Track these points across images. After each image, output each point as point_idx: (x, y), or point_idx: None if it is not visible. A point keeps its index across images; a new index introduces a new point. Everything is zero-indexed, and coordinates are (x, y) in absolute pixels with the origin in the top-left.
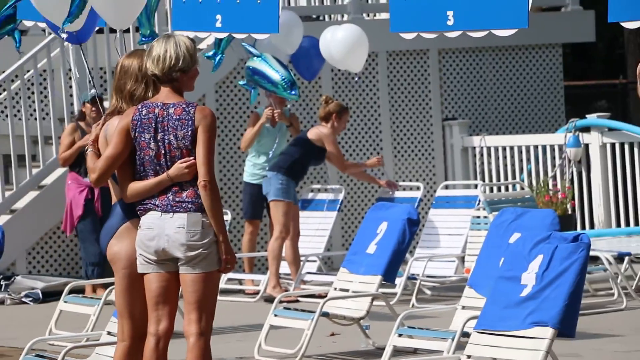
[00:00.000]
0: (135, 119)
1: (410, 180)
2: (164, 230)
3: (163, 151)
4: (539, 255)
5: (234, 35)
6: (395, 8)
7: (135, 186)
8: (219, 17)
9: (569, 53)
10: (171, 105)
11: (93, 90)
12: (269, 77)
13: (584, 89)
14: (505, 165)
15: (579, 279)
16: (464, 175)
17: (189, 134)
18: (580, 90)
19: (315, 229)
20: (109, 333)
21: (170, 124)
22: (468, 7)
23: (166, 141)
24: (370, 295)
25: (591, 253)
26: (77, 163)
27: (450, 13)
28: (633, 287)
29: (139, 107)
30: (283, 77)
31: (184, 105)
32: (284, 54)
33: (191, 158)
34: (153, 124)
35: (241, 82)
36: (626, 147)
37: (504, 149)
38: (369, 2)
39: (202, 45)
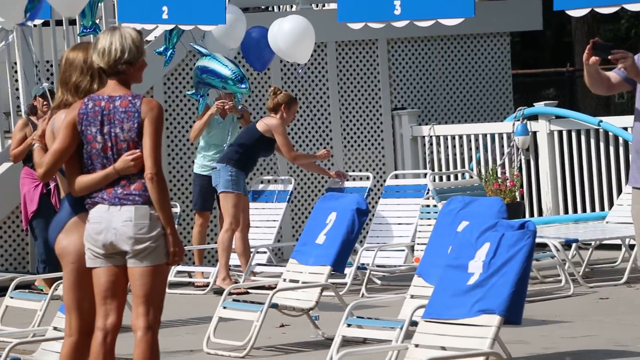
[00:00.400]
0: (81, 113)
1: (360, 170)
2: (111, 223)
3: (110, 144)
4: (486, 243)
5: (181, 26)
6: None
7: (82, 180)
8: (165, 8)
9: (518, 41)
10: (117, 98)
11: (45, 84)
12: (218, 73)
13: (533, 77)
14: (454, 154)
15: (525, 266)
16: (414, 164)
17: (135, 126)
18: (529, 79)
19: (265, 220)
20: (55, 328)
21: (117, 117)
22: None
23: (112, 134)
24: (319, 285)
25: (539, 240)
26: (30, 158)
27: (397, 3)
28: (580, 274)
29: (85, 100)
30: (233, 72)
31: (130, 98)
32: (228, 48)
33: (137, 151)
34: (99, 117)
35: (189, 93)
36: (573, 134)
37: (453, 138)
38: None
39: (149, 37)
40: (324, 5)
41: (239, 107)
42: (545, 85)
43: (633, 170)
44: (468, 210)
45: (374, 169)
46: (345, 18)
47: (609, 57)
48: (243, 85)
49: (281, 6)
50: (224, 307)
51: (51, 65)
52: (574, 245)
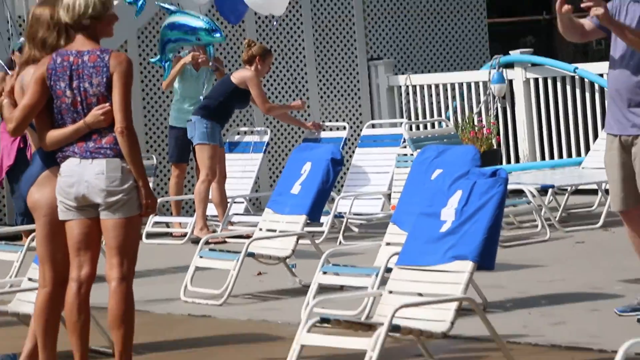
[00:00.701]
0: (50, 68)
1: (337, 121)
2: (83, 176)
3: (79, 99)
4: (458, 191)
5: None
6: None
7: (53, 134)
8: None
9: None
10: (85, 53)
11: (22, 39)
12: (190, 25)
13: (511, 25)
14: (431, 103)
15: (497, 213)
16: (390, 114)
17: (104, 80)
18: (507, 27)
19: (242, 170)
20: (29, 279)
21: (85, 71)
22: None
23: (82, 89)
24: (295, 234)
25: (515, 186)
26: None
27: None
28: (557, 218)
29: (54, 55)
30: (206, 22)
31: (98, 52)
32: (198, 4)
33: (107, 104)
34: (68, 72)
35: (152, 60)
36: (549, 81)
37: (429, 87)
38: None
39: None
40: None
41: (211, 61)
42: (523, 34)
43: (608, 116)
44: (442, 159)
45: (350, 119)
46: None
47: (581, 5)
48: (217, 34)
49: None
50: (201, 257)
51: (24, 21)
52: (550, 190)
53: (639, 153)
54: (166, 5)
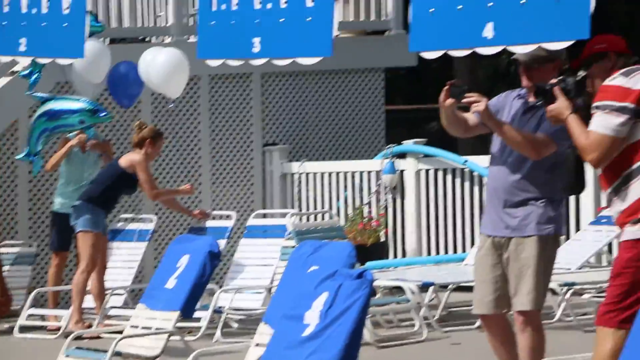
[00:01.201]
0: None
1: (228, 208)
2: None
3: None
4: (324, 293)
5: (38, 60)
6: (203, 34)
7: None
8: (23, 40)
9: (404, 75)
10: None
11: (38, 93)
12: (71, 109)
13: (419, 112)
14: (322, 193)
15: (360, 317)
16: (282, 203)
17: None
18: (415, 114)
19: (124, 260)
20: None
21: None
22: (274, 34)
23: None
24: (165, 332)
25: (397, 283)
26: None
27: (256, 40)
28: (436, 318)
29: None
30: (87, 102)
31: None
32: (91, 84)
33: None
34: None
35: (18, 157)
36: (439, 174)
37: (322, 175)
38: (192, 24)
39: (18, 67)
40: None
41: (88, 144)
42: (429, 120)
43: (484, 214)
44: (318, 255)
45: (242, 207)
46: (205, 54)
47: (462, 100)
48: (102, 114)
49: (155, 37)
50: (67, 356)
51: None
52: (431, 287)
53: (512, 256)
54: (38, 95)
